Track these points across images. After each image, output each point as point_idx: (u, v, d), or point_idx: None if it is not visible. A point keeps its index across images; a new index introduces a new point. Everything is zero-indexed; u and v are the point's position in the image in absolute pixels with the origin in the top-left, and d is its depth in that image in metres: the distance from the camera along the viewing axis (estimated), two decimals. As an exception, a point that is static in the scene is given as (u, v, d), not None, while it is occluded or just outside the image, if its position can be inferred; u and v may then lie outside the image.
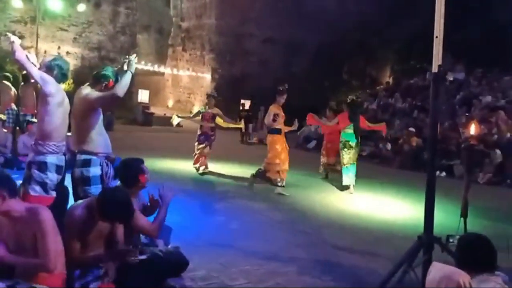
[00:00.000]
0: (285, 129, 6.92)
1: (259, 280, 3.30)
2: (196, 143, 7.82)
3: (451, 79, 15.79)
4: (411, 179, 8.61)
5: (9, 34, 3.22)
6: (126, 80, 3.24)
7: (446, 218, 5.28)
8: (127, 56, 3.45)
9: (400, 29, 19.13)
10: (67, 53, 17.15)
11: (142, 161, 3.12)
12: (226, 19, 20.06)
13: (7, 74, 8.70)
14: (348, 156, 7.02)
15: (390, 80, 20.07)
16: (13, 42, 3.06)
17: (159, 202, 3.11)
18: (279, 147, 6.67)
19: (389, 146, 12.41)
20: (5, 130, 7.40)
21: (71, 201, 3.64)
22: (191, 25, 21.67)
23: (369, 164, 11.48)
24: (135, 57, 3.43)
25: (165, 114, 17.56)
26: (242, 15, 20.01)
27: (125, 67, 3.34)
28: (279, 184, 6.56)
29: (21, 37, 15.63)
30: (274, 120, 6.68)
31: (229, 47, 20.18)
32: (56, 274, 2.45)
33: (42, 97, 3.09)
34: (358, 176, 7.75)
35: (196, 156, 7.79)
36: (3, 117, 7.69)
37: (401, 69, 19.79)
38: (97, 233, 2.66)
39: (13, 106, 8.08)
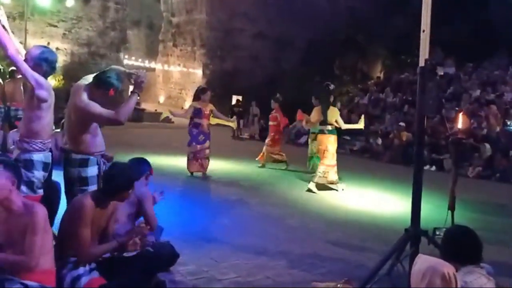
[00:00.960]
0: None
1: (249, 274, 3.32)
2: (198, 146, 6.98)
3: (442, 73, 15.91)
4: (401, 174, 8.68)
5: None
6: (131, 104, 3.06)
7: (434, 211, 5.34)
8: (138, 70, 3.20)
9: (391, 23, 19.20)
10: (57, 49, 16.92)
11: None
12: (216, 14, 19.96)
13: None
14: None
15: (381, 75, 20.16)
16: None
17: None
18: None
19: (379, 141, 12.50)
20: None
21: (62, 196, 3.62)
22: (182, 20, 21.52)
23: (360, 159, 11.58)
24: (145, 75, 3.20)
25: (156, 110, 17.46)
26: (233, 10, 19.93)
27: (131, 84, 3.12)
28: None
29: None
30: None
31: (220, 42, 20.10)
32: (47, 270, 2.44)
33: (32, 99, 2.93)
34: (349, 170, 7.78)
35: (202, 161, 7.07)
36: None
37: (392, 64, 19.89)
38: (97, 225, 2.68)
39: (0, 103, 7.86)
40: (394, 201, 6.41)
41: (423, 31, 3.02)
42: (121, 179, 2.64)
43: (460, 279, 2.17)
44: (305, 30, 20.11)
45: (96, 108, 3.00)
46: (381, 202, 6.36)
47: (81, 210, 2.57)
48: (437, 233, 3.00)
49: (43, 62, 2.98)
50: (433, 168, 10.31)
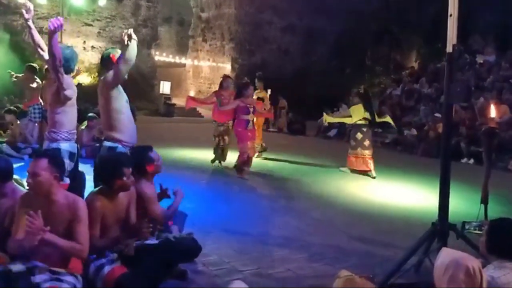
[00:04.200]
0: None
1: (270, 266, 3.31)
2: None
3: (481, 61, 15.14)
4: (435, 167, 8.35)
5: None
6: (132, 45, 3.27)
7: (466, 205, 5.13)
8: (125, 32, 3.38)
9: (425, 10, 18.42)
10: (92, 47, 17.49)
11: (150, 149, 3.14)
12: (245, 8, 19.92)
13: (34, 64, 8.00)
14: None
15: (416, 65, 19.46)
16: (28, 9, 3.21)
17: (168, 194, 3.31)
18: None
19: (414, 131, 12.06)
20: (32, 122, 7.55)
21: (88, 186, 3.74)
22: (211, 15, 21.65)
23: (392, 152, 11.26)
24: (131, 31, 3.37)
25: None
26: (261, 3, 19.83)
27: (126, 42, 3.29)
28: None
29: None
30: None
31: (248, 36, 20.07)
32: (74, 259, 2.53)
33: (59, 96, 3.20)
34: (380, 163, 7.56)
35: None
36: (31, 113, 7.73)
37: (428, 53, 19.10)
38: (114, 218, 2.75)
39: (40, 100, 8.11)
40: (426, 195, 6.18)
41: (450, 15, 2.88)
42: (106, 168, 2.71)
43: (489, 274, 2.07)
44: (336, 21, 19.70)
45: (111, 73, 3.34)
46: (411, 196, 6.16)
47: (91, 207, 2.64)
48: (467, 227, 2.87)
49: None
50: (471, 161, 9.87)
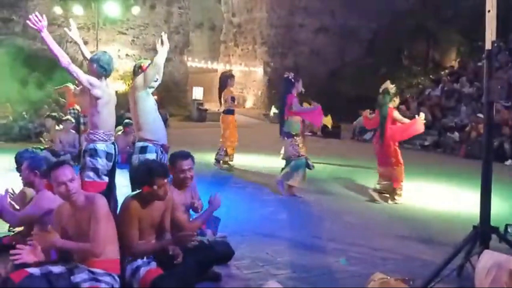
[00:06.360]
0: None
1: (304, 270, 3.28)
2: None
3: (525, 59, 14.34)
4: (477, 169, 7.97)
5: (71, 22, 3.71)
6: (163, 51, 3.59)
7: (511, 208, 4.88)
8: (162, 34, 3.74)
9: (465, 5, 17.68)
10: (126, 55, 18.06)
11: (184, 156, 3.14)
12: (276, 11, 19.98)
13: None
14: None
15: (456, 64, 18.70)
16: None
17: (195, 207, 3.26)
18: None
19: (457, 136, 11.59)
20: (73, 131, 7.89)
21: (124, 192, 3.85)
22: (242, 20, 21.86)
23: (432, 154, 10.91)
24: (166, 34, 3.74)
25: (218, 110, 17.89)
26: (293, 5, 19.81)
27: (159, 47, 3.60)
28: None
29: (85, 42, 16.81)
30: None
31: (280, 39, 20.08)
32: (113, 260, 2.62)
33: (91, 98, 3.36)
34: (419, 165, 7.28)
35: None
36: (71, 119, 8.17)
37: (468, 51, 18.30)
38: (149, 221, 2.81)
39: (76, 106, 8.58)
40: (467, 197, 5.93)
41: (489, 11, 2.77)
42: (138, 174, 2.76)
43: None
44: (370, 19, 19.33)
45: (140, 76, 3.59)
46: (452, 198, 5.93)
47: (125, 211, 2.73)
48: (510, 230, 2.73)
49: (95, 61, 3.38)
50: (516, 163, 9.38)
